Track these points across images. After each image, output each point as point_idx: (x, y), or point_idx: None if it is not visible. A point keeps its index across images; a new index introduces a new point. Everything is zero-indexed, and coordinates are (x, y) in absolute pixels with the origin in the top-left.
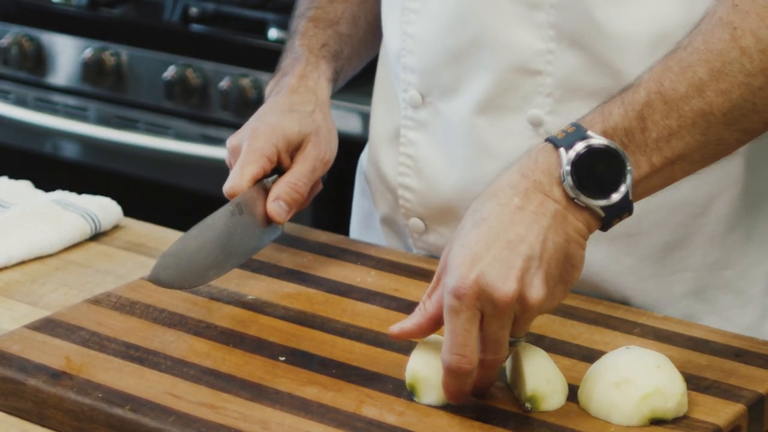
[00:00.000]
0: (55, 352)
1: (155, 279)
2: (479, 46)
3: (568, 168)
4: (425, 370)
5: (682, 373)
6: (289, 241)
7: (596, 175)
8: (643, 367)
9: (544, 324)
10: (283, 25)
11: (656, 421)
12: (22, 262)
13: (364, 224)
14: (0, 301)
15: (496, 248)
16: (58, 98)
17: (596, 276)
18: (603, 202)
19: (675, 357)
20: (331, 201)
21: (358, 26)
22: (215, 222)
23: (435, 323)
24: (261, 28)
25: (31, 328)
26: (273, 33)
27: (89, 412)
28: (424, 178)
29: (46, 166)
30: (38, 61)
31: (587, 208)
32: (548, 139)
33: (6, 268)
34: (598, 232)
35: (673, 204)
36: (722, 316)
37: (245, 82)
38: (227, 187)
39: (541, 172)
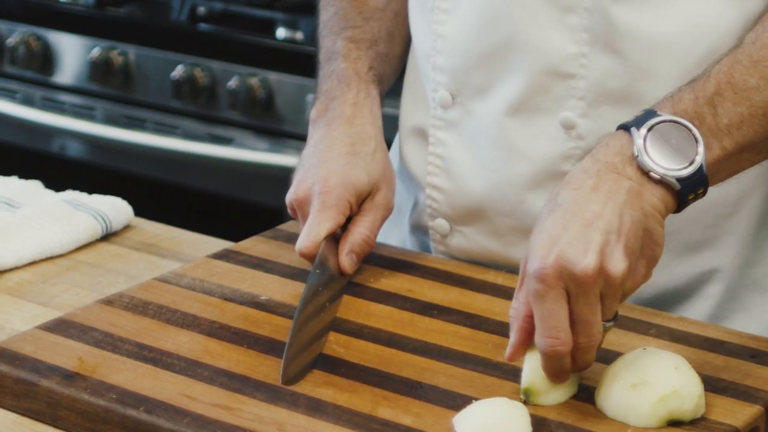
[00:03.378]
0: (68, 353)
1: (288, 381)
2: (511, 48)
3: (641, 142)
4: (537, 375)
5: (699, 374)
6: None
7: (669, 147)
8: (660, 368)
9: None
10: (291, 25)
11: (674, 423)
12: (33, 263)
13: (391, 224)
14: (11, 301)
15: (573, 228)
16: (65, 98)
17: None
18: (677, 174)
19: (691, 358)
20: None
21: (394, 43)
22: (312, 294)
23: (532, 320)
24: (269, 27)
25: (44, 328)
26: (281, 32)
27: (103, 413)
28: (453, 178)
29: (53, 166)
30: (45, 60)
31: (662, 183)
32: (620, 126)
33: (17, 268)
34: None
35: (704, 204)
36: (748, 314)
37: (253, 81)
38: (303, 246)
39: (614, 154)
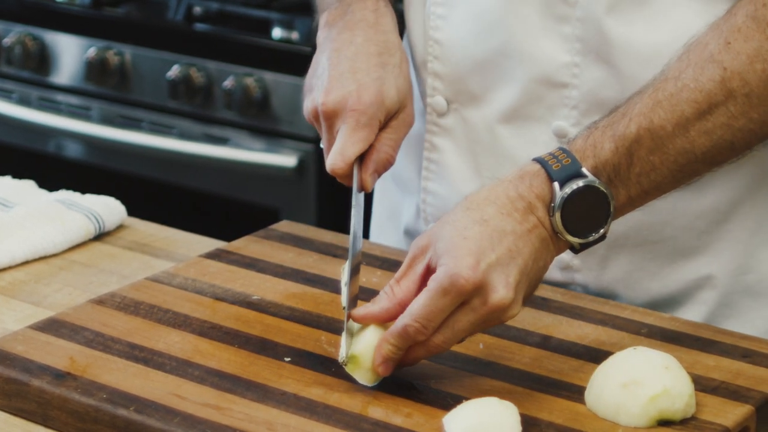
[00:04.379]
0: (59, 353)
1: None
2: (506, 56)
3: (560, 206)
4: (370, 351)
5: (690, 373)
6: (294, 241)
7: (582, 215)
8: (651, 367)
9: (551, 324)
10: (287, 25)
11: (664, 423)
12: (26, 262)
13: (385, 225)
14: (4, 301)
15: (499, 251)
16: (61, 98)
17: (619, 282)
18: (582, 240)
19: (682, 358)
20: (337, 201)
21: None
22: (357, 220)
23: (402, 308)
24: (265, 27)
25: (35, 328)
26: (277, 32)
27: (94, 413)
28: (448, 183)
29: (50, 166)
30: (42, 60)
31: (566, 240)
32: (542, 164)
33: (10, 268)
34: (623, 238)
35: (697, 210)
36: (741, 320)
37: (249, 81)
38: (336, 166)
39: (536, 197)
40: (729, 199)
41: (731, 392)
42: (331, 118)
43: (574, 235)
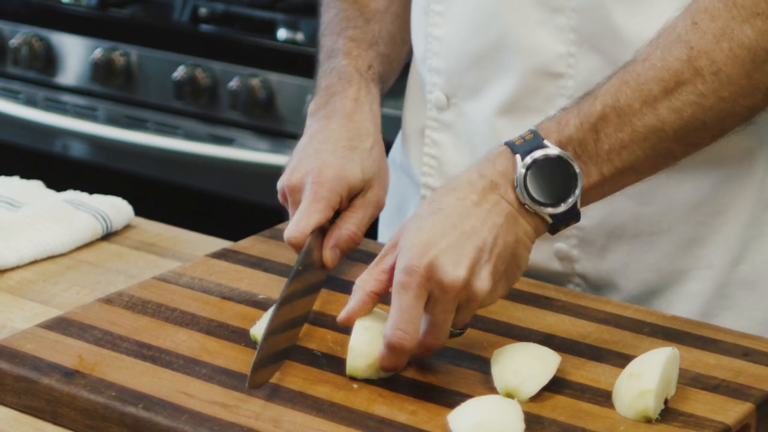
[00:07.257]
0: (68, 351)
1: (254, 385)
2: (503, 49)
3: (522, 174)
4: (364, 345)
5: (691, 372)
6: None
7: (547, 184)
8: (656, 367)
9: (553, 323)
10: (292, 26)
11: (648, 420)
12: (34, 262)
13: (393, 220)
14: (12, 300)
15: (451, 236)
16: (67, 98)
17: (617, 273)
18: (551, 210)
19: (684, 356)
20: None
21: (394, 45)
22: (293, 292)
23: (375, 299)
24: (270, 28)
25: (44, 327)
26: (282, 33)
27: (102, 410)
28: (447, 178)
29: (56, 166)
30: (48, 61)
31: (536, 214)
32: (507, 144)
33: (18, 267)
34: (621, 229)
35: (694, 202)
36: (737, 311)
37: (254, 82)
38: (291, 236)
39: (498, 174)
40: (726, 191)
41: (732, 390)
42: (295, 193)
43: (541, 205)
